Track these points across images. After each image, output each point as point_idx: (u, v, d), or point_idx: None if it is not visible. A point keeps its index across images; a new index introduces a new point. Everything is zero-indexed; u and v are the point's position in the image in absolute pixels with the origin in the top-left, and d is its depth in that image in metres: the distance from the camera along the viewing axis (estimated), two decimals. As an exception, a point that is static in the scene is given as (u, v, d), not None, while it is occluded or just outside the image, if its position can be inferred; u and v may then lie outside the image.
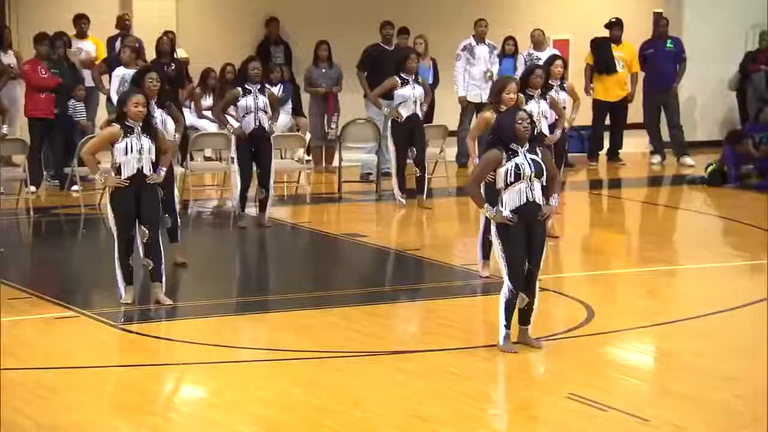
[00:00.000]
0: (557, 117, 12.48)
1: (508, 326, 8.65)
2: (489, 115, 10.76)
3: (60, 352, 8.99)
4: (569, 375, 8.36)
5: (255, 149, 13.46)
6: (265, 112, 13.43)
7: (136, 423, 7.42)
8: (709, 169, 17.16)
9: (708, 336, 9.62)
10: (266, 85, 14.14)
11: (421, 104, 15.19)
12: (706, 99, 20.97)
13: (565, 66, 13.71)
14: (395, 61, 16.34)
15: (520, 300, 8.62)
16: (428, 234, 14.22)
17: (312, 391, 7.91)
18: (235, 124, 15.49)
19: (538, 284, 8.74)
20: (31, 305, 10.21)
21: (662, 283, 11.90)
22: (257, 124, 13.40)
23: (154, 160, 9.89)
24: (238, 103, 13.43)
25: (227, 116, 14.69)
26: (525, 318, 8.75)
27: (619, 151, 19.63)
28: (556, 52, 18.98)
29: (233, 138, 13.70)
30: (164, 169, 10.12)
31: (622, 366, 8.79)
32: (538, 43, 18.83)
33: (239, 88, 13.48)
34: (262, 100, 13.41)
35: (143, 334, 9.43)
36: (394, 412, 7.51)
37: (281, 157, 17.12)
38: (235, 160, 13.50)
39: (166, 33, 18.69)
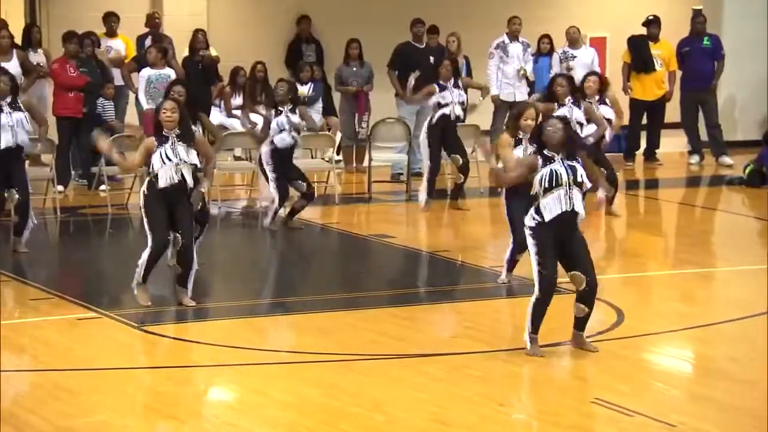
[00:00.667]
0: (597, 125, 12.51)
1: (534, 332, 8.58)
2: (506, 137, 10.67)
3: (80, 353, 9.03)
4: (595, 379, 8.39)
5: (286, 162, 13.57)
6: (298, 132, 13.60)
7: (154, 425, 7.46)
8: (748, 170, 16.94)
9: (741, 340, 9.51)
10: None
11: (463, 108, 15.27)
12: (746, 98, 20.65)
13: (602, 82, 13.67)
14: (425, 59, 16.45)
15: (579, 310, 8.61)
16: (458, 235, 14.06)
17: (331, 394, 7.88)
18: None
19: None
20: (54, 306, 10.24)
21: (696, 285, 11.78)
22: (292, 140, 13.53)
23: (200, 165, 9.93)
24: (272, 125, 13.54)
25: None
26: (581, 324, 8.72)
27: (656, 150, 19.39)
28: (592, 49, 18.98)
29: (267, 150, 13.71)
30: (207, 182, 10.26)
31: (650, 370, 8.75)
32: (573, 40, 18.69)
33: (273, 111, 13.69)
34: (295, 119, 13.53)
35: (165, 336, 9.46)
36: (414, 415, 7.47)
37: (311, 157, 17.16)
38: (270, 174, 13.53)
39: (197, 31, 18.79)
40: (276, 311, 10.45)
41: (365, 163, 17.31)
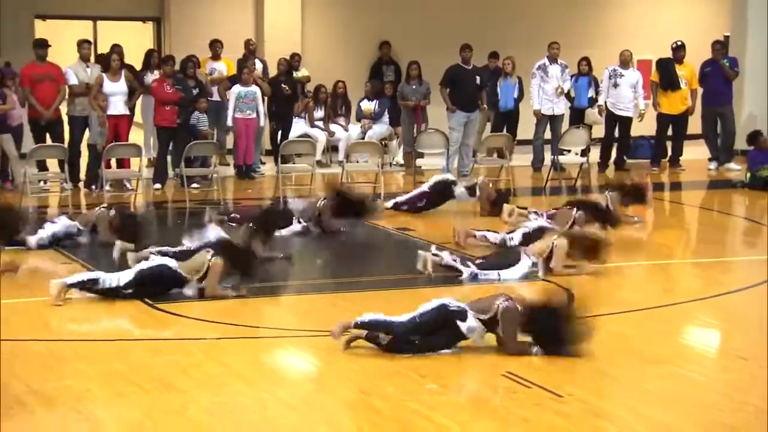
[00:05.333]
0: None
1: None
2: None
3: (90, 325, 8.86)
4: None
5: None
6: None
7: (115, 390, 7.13)
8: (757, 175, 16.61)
9: (663, 323, 9.08)
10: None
11: None
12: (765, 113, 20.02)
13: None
14: (472, 79, 16.32)
15: None
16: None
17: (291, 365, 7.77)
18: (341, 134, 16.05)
19: None
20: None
21: (650, 275, 11.32)
22: None
23: None
24: None
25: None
26: None
27: (680, 157, 18.99)
28: (638, 73, 18.70)
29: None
30: None
31: None
32: (624, 61, 18.58)
33: None
34: None
35: (168, 312, 9.10)
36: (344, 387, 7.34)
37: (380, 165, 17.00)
38: None
39: (293, 55, 18.93)
40: (274, 293, 10.11)
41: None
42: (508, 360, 7.71)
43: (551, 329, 7.84)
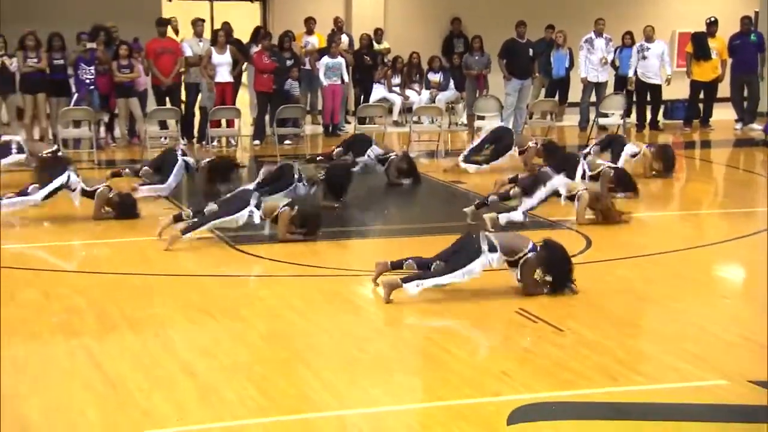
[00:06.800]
0: None
1: None
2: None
3: (175, 262, 8.90)
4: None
5: None
6: None
7: (189, 317, 7.26)
8: (774, 134, 16.34)
9: (665, 267, 8.94)
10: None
11: None
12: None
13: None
14: (525, 51, 16.26)
15: None
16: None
17: (329, 300, 7.83)
18: (414, 98, 16.00)
19: None
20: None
21: (666, 223, 11.09)
22: None
23: None
24: None
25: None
26: None
27: (710, 119, 18.71)
28: (662, 43, 18.31)
29: None
30: None
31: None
32: (648, 36, 18.18)
33: None
34: None
35: (245, 252, 9.19)
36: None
37: (449, 124, 17.07)
38: None
39: (376, 30, 18.97)
40: (335, 237, 9.96)
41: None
42: (523, 299, 7.71)
43: (559, 271, 7.89)
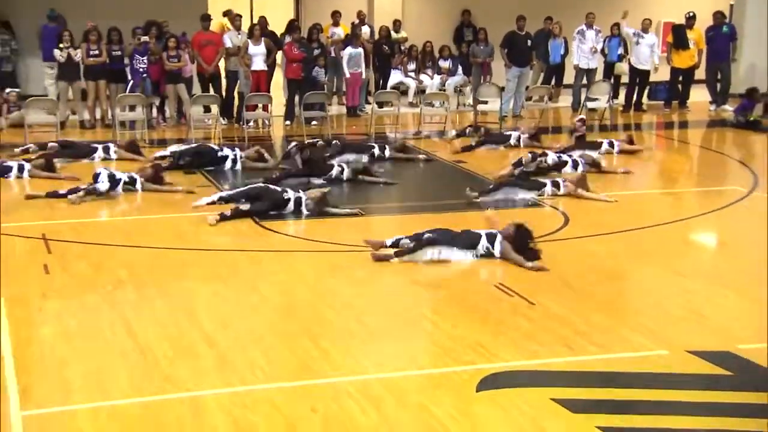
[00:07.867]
0: None
1: None
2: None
3: (207, 239, 8.86)
4: (511, 270, 7.88)
5: None
6: None
7: (207, 283, 7.33)
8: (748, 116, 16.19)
9: (632, 244, 8.80)
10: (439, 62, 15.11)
11: None
12: (763, 67, 19.46)
13: None
14: (524, 42, 16.25)
15: None
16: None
17: (331, 274, 7.84)
18: (427, 82, 15.92)
19: None
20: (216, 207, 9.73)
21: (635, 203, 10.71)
22: None
23: None
24: None
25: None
26: None
27: (687, 101, 18.63)
28: (655, 36, 18.19)
29: None
30: None
31: (548, 264, 7.94)
32: (645, 27, 18.10)
33: None
34: None
35: (268, 229, 9.20)
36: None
37: (457, 105, 17.09)
38: None
39: (394, 21, 18.90)
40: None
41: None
42: (503, 274, 7.78)
43: (523, 246, 8.03)
